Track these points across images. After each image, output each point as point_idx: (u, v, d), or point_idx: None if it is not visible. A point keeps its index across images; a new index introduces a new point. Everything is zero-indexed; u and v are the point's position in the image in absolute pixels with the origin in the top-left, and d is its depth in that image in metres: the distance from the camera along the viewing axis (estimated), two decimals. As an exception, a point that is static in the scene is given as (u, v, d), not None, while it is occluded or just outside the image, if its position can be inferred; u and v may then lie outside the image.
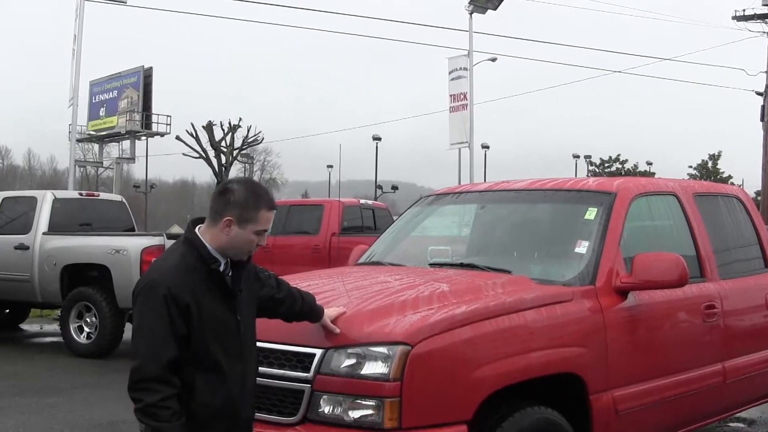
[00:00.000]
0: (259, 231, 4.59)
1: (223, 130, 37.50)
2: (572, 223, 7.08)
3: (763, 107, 40.37)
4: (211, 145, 36.88)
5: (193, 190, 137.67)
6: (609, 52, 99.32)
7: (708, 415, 7.77)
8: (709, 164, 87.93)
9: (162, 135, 64.09)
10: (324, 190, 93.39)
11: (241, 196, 4.57)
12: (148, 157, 70.65)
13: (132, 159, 66.07)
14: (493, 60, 55.25)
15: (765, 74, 40.44)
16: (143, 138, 65.24)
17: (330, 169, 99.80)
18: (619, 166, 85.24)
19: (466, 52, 28.75)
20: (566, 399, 6.14)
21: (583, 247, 6.64)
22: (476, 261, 7.03)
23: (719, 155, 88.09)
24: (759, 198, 43.43)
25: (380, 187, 60.19)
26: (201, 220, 4.68)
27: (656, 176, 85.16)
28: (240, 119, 38.23)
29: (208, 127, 36.42)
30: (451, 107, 28.66)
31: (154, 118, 64.28)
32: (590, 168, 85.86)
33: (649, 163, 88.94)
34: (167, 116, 63.84)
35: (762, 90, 40.72)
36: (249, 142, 38.96)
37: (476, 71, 29.91)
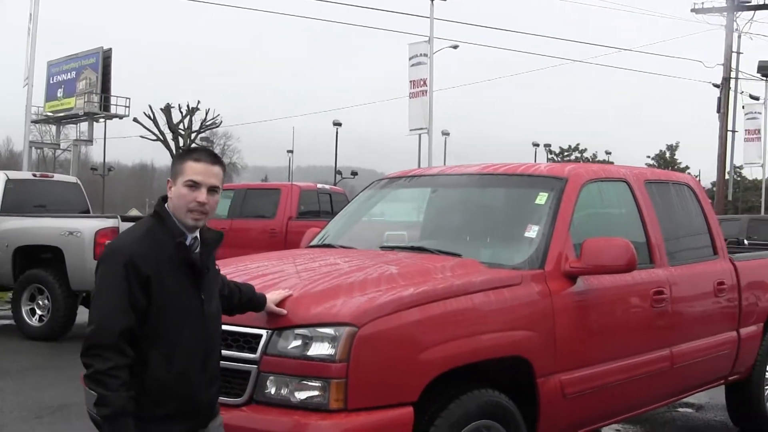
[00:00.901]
0: (188, 182, 4.46)
1: (181, 112, 37.41)
2: (523, 208, 7.11)
3: (719, 99, 40.67)
4: (169, 128, 36.63)
5: (152, 173, 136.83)
6: (570, 41, 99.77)
7: (656, 399, 7.84)
8: (667, 155, 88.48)
9: (121, 117, 63.40)
10: (284, 175, 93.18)
11: (177, 157, 4.64)
12: (107, 140, 70.19)
13: (90, 141, 65.33)
14: (455, 47, 55.31)
15: (722, 66, 40.71)
16: (101, 120, 64.62)
17: (290, 154, 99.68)
18: (579, 155, 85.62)
19: (426, 39, 28.80)
20: (515, 382, 6.15)
21: (533, 232, 6.66)
22: (427, 244, 7.04)
23: (677, 146, 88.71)
24: (715, 189, 43.87)
25: (340, 173, 60.35)
26: None
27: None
28: (198, 102, 38.21)
29: (166, 110, 36.24)
30: (411, 93, 28.65)
31: (112, 100, 63.59)
32: (550, 157, 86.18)
33: (608, 153, 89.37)
34: (126, 98, 63.21)
35: (719, 82, 40.98)
36: (207, 125, 38.85)
37: (437, 58, 30.01)
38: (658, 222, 7.76)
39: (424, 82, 28.07)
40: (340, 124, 74.33)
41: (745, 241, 21.64)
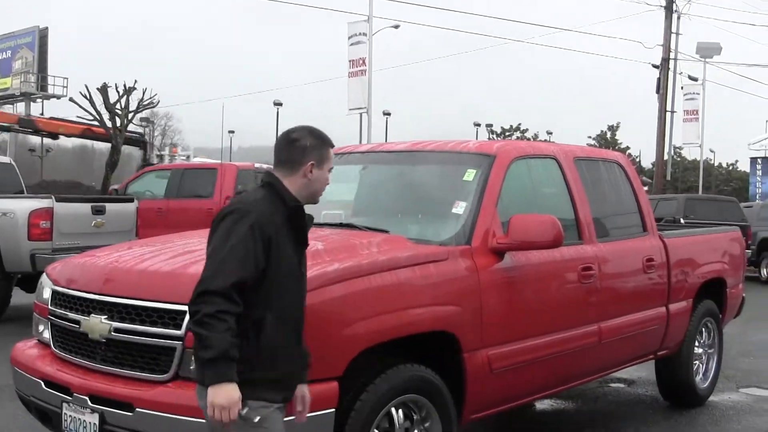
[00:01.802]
0: (330, 169, 4.81)
1: (118, 92, 36.97)
2: (451, 185, 7.13)
3: (659, 80, 41.02)
4: (106, 108, 36.18)
5: (92, 154, 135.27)
6: (513, 21, 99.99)
7: (584, 374, 7.93)
8: (608, 135, 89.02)
9: (58, 97, 62.68)
10: (225, 155, 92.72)
11: (314, 141, 4.76)
12: (45, 121, 69.33)
13: (28, 121, 64.69)
14: (396, 27, 55.23)
15: (661, 47, 41.03)
16: (39, 100, 63.93)
17: (231, 134, 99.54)
18: (520, 134, 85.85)
19: (365, 17, 28.75)
20: (442, 358, 6.19)
21: (460, 208, 6.69)
22: (355, 221, 7.04)
23: (618, 126, 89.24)
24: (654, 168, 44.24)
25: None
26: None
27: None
28: (135, 81, 37.74)
29: (103, 89, 35.75)
30: (350, 72, 28.61)
31: (50, 80, 63.09)
32: (491, 136, 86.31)
33: (549, 133, 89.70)
34: (64, 78, 62.75)
35: (658, 63, 41.29)
36: (144, 105, 38.48)
37: (379, 38, 30.02)
38: (587, 199, 7.82)
39: (363, 62, 28.02)
40: (281, 104, 74.25)
41: (682, 220, 21.97)
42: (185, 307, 5.22)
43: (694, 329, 9.44)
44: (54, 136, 41.64)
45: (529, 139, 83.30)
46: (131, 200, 16.94)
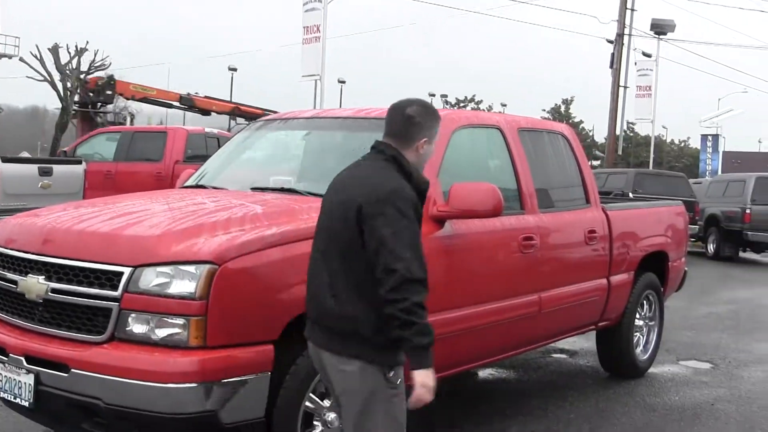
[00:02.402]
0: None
1: (69, 53, 36.67)
2: None
3: (612, 55, 41.18)
4: (57, 69, 35.88)
5: (44, 116, 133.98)
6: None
7: (524, 343, 8.01)
8: (562, 108, 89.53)
9: (9, 57, 61.90)
10: (179, 119, 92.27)
11: (429, 118, 4.86)
12: (-5, 81, 68.78)
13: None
14: (351, -6, 54.97)
15: (616, 22, 41.16)
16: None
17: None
18: (474, 106, 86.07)
19: (321, -17, 28.55)
20: None
21: None
22: (298, 186, 7.02)
23: (572, 100, 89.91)
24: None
25: (234, 119, 59.85)
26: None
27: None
28: (87, 42, 37.46)
29: (54, 50, 35.45)
30: (305, 39, 28.31)
31: (1, 39, 62.37)
32: (445, 107, 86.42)
33: (504, 105, 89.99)
34: (15, 38, 62.06)
35: (613, 38, 41.44)
36: (96, 66, 38.19)
37: (335, 5, 29.76)
38: (529, 169, 7.85)
39: (317, 28, 27.74)
40: (235, 69, 73.73)
41: (630, 194, 22.14)
42: (122, 268, 5.29)
43: (635, 301, 9.56)
44: (206, 113, 41.83)
45: (481, 110, 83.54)
46: (79, 162, 16.90)
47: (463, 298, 6.85)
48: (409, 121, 4.76)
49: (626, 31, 41.19)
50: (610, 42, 41.63)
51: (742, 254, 28.89)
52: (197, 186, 7.65)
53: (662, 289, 10.29)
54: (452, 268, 6.71)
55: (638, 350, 9.91)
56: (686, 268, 11.23)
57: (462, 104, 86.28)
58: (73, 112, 37.29)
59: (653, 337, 10.24)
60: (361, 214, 4.42)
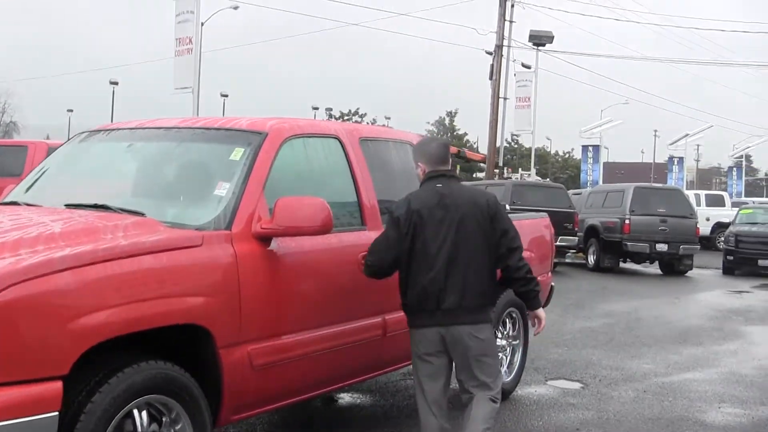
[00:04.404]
0: None
1: None
2: (217, 164, 6.55)
3: (492, 66, 41.31)
4: None
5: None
6: (349, 5, 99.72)
7: (369, 369, 7.51)
8: (446, 121, 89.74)
9: None
10: (65, 133, 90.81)
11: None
12: None
13: None
14: (235, 8, 54.45)
15: (495, 34, 41.26)
16: None
17: (70, 113, 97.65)
18: (359, 119, 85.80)
19: (194, -5, 27.90)
20: (199, 353, 5.68)
21: (223, 190, 6.14)
22: (111, 202, 6.37)
23: (456, 112, 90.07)
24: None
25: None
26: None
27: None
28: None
29: None
30: (177, 51, 27.69)
31: None
32: (329, 119, 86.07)
33: (387, 118, 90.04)
34: None
35: (492, 50, 41.56)
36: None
37: (217, 19, 29.23)
38: (372, 182, 7.37)
39: (190, 40, 27.11)
40: (116, 83, 72.84)
41: (507, 206, 21.82)
42: None
43: (496, 319, 9.05)
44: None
45: (367, 124, 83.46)
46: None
47: (293, 323, 6.32)
48: (448, 148, 6.86)
49: (505, 42, 41.30)
50: (489, 53, 41.80)
51: (622, 265, 28.98)
52: (11, 203, 6.99)
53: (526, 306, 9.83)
54: (279, 291, 6.17)
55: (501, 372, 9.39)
56: (553, 283, 10.79)
57: (346, 117, 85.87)
58: None
59: (517, 357, 9.74)
60: (490, 211, 6.42)
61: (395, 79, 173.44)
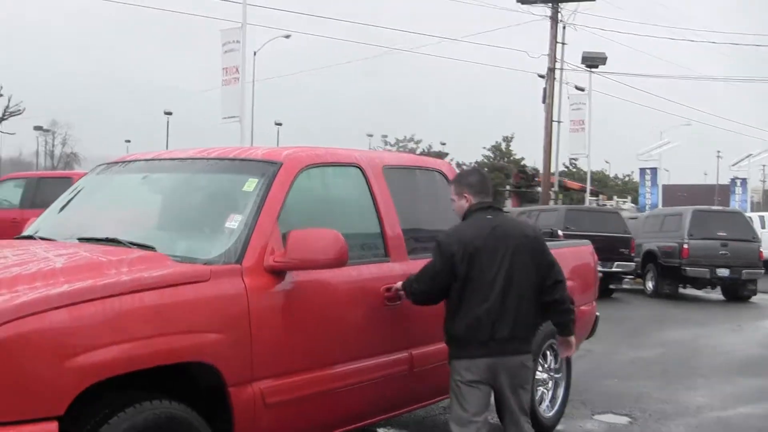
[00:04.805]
0: None
1: (-15, 100, 35.95)
2: (230, 196, 6.37)
3: (545, 89, 40.98)
4: (-27, 115, 35.28)
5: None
6: (401, 31, 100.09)
7: (393, 406, 7.24)
8: (503, 146, 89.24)
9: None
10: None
11: None
12: None
13: None
14: (287, 36, 54.66)
15: (547, 57, 40.94)
16: None
17: (128, 143, 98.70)
18: (414, 145, 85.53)
19: (239, 25, 27.84)
20: (210, 391, 5.49)
21: (234, 222, 5.95)
22: (123, 235, 6.20)
23: (512, 137, 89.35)
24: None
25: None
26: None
27: (448, 157, 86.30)
28: (0, 87, 36.47)
29: (-31, 97, 34.59)
30: (224, 80, 27.75)
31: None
32: (385, 147, 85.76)
33: (443, 144, 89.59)
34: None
35: (544, 73, 41.25)
36: (11, 112, 37.25)
37: (270, 48, 29.22)
38: (395, 212, 7.15)
39: (237, 69, 27.17)
40: (170, 113, 73.42)
41: (560, 232, 21.42)
42: None
43: (536, 352, 8.68)
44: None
45: (423, 151, 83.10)
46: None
47: (309, 359, 6.09)
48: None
49: (558, 65, 40.95)
50: (542, 76, 41.43)
51: (682, 290, 28.09)
52: (27, 237, 6.91)
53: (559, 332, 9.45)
54: (293, 327, 5.95)
55: (542, 406, 9.02)
56: (598, 313, 10.41)
57: (401, 144, 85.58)
58: None
59: (560, 391, 9.36)
60: (538, 243, 6.53)
61: (449, 104, 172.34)
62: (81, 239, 6.39)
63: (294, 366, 5.93)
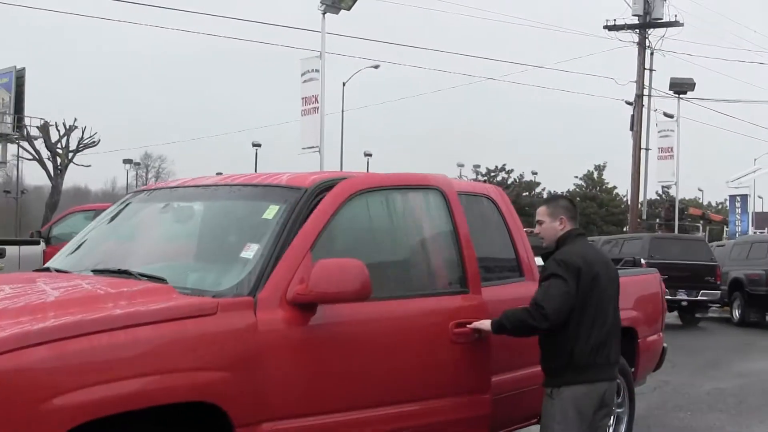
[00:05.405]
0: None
1: (58, 131, 36.15)
2: (249, 224, 5.99)
3: (632, 116, 40.40)
4: (46, 147, 35.34)
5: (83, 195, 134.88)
6: (487, 59, 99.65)
7: None
8: (595, 174, 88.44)
9: (35, 139, 61.87)
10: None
11: None
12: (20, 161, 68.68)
13: (4, 163, 63.82)
14: (376, 67, 54.73)
15: (635, 83, 40.35)
16: (15, 141, 63.04)
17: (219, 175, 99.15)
18: (505, 175, 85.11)
19: (318, 53, 27.75)
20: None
21: (250, 252, 5.53)
22: (137, 266, 5.88)
23: (604, 165, 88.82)
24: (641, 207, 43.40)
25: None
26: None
27: (540, 186, 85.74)
28: (75, 119, 36.84)
29: (44, 128, 34.79)
30: (303, 110, 27.60)
31: (27, 121, 62.18)
32: (477, 177, 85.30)
33: (534, 173, 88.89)
34: (41, 119, 61.89)
35: (632, 99, 40.67)
36: (85, 144, 37.63)
37: (358, 78, 29.17)
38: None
39: (316, 99, 27.03)
40: (259, 145, 73.92)
41: (642, 261, 20.86)
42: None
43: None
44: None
45: (515, 180, 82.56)
46: (37, 243, 16.19)
47: (340, 400, 5.63)
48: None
49: (645, 92, 40.34)
50: (630, 104, 40.80)
51: (769, 319, 27.26)
52: (44, 269, 6.65)
53: (632, 371, 8.99)
54: (321, 365, 5.52)
55: (604, 443, 8.58)
56: (665, 344, 9.91)
57: (492, 174, 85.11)
58: None
59: (623, 427, 8.89)
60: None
61: (537, 133, 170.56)
62: (95, 271, 6.10)
63: (316, 407, 5.48)
